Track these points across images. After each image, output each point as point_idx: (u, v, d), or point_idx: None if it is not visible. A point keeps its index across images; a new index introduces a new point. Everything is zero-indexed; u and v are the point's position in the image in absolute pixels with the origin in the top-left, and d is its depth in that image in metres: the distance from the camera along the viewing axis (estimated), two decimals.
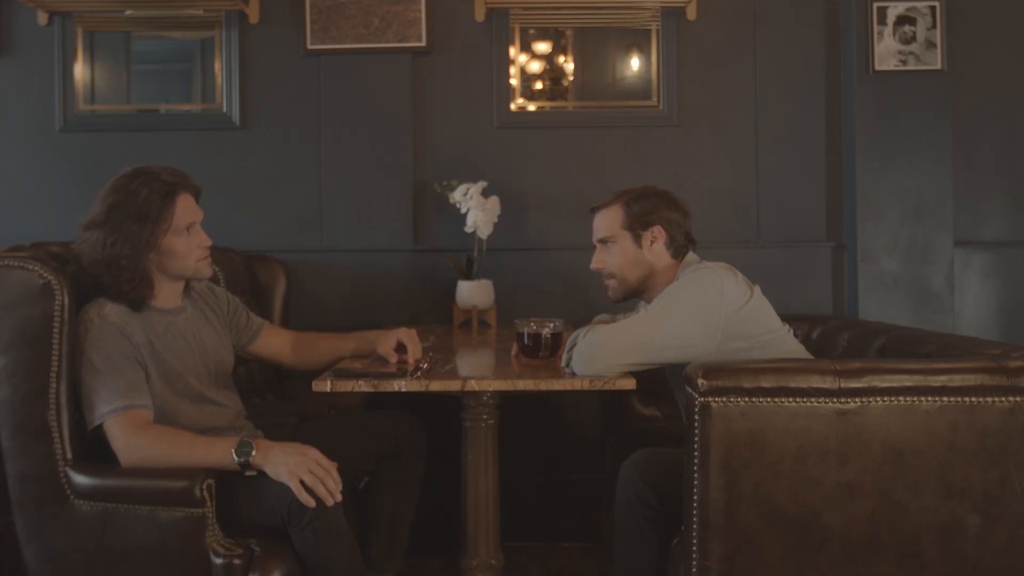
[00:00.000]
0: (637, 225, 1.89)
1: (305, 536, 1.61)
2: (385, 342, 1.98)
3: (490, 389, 1.75)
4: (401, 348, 1.98)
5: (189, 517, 1.58)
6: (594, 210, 1.99)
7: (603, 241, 1.95)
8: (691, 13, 2.95)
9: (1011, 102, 2.99)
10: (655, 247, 1.89)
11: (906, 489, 1.47)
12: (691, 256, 1.92)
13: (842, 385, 1.46)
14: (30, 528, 1.66)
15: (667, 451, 1.87)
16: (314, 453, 1.63)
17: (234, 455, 1.61)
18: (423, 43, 2.90)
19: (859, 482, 1.47)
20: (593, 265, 1.97)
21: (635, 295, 1.96)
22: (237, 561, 1.57)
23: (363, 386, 1.69)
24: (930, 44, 2.83)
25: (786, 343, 1.82)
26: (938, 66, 2.82)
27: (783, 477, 1.47)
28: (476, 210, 2.70)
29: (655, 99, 3.01)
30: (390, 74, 2.91)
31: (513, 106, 3.00)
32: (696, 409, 1.47)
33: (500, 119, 2.97)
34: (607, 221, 1.94)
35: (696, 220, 2.90)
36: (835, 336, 2.31)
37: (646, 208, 1.89)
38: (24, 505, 1.66)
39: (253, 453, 1.61)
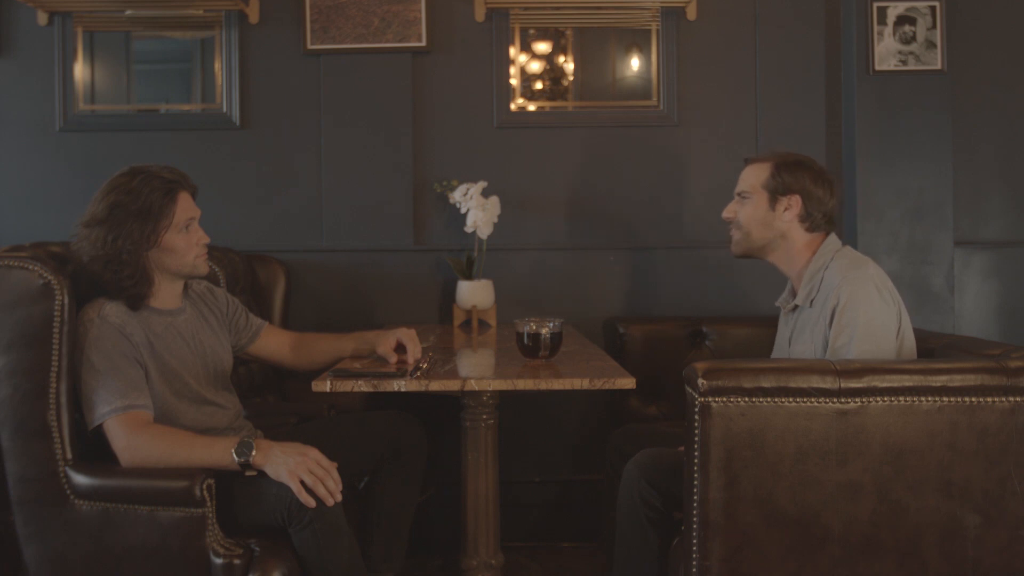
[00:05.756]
0: (778, 189, 1.90)
1: (305, 536, 1.61)
2: (385, 342, 1.98)
3: (490, 389, 1.75)
4: (401, 348, 1.98)
5: (189, 517, 1.58)
6: (747, 161, 2.01)
7: (740, 194, 1.96)
8: (691, 13, 2.95)
9: (1011, 102, 2.99)
10: (787, 215, 1.90)
11: (906, 489, 1.47)
12: (833, 240, 1.92)
13: (842, 385, 1.46)
14: (30, 528, 1.66)
15: (671, 452, 1.87)
16: (314, 453, 1.63)
17: (234, 455, 1.61)
18: (423, 43, 2.90)
19: (859, 482, 1.47)
20: (725, 213, 2.00)
21: (754, 255, 1.97)
22: (237, 561, 1.57)
23: (363, 386, 1.69)
24: (930, 44, 2.83)
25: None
26: (938, 66, 2.82)
27: (783, 477, 1.47)
28: (476, 210, 2.70)
29: (655, 99, 3.01)
30: (390, 74, 2.91)
31: (513, 106, 3.00)
32: (696, 409, 1.47)
33: (500, 119, 2.97)
34: (752, 176, 1.95)
35: (696, 220, 2.94)
36: None
37: (794, 176, 1.90)
38: (24, 505, 1.66)
39: (253, 453, 1.61)
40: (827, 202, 1.91)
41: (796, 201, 1.89)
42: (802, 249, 1.91)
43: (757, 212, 1.92)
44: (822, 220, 1.91)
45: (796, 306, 1.92)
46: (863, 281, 1.76)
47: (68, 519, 1.63)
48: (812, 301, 1.86)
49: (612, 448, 2.22)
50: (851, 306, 1.73)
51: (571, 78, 3.12)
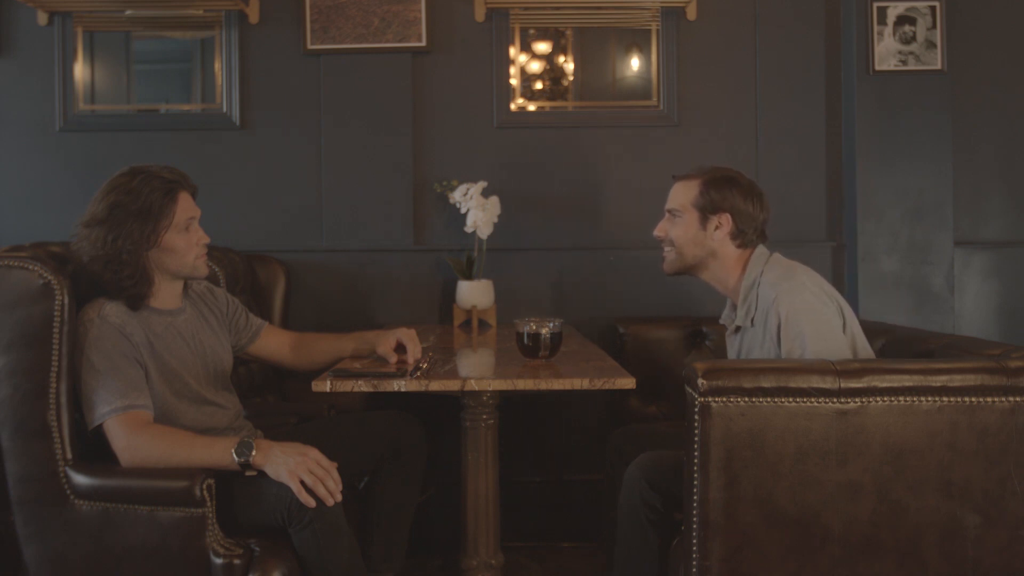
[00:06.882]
0: (708, 208, 1.88)
1: (305, 536, 1.61)
2: (385, 342, 1.98)
3: (490, 389, 1.75)
4: (401, 348, 1.98)
5: (189, 517, 1.58)
6: (675, 178, 1.99)
7: (671, 212, 1.95)
8: (691, 13, 2.95)
9: (1011, 102, 2.99)
10: (718, 234, 1.89)
11: (906, 489, 1.47)
12: (761, 251, 1.90)
13: (842, 385, 1.46)
14: (30, 528, 1.66)
15: (672, 455, 1.87)
16: (314, 453, 1.63)
17: (234, 455, 1.61)
18: (423, 43, 2.90)
19: (859, 482, 1.47)
20: (656, 232, 1.98)
21: (686, 273, 1.96)
22: (237, 561, 1.57)
23: (363, 386, 1.69)
24: (930, 44, 2.83)
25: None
26: (938, 66, 2.83)
27: (783, 477, 1.47)
28: (476, 210, 2.70)
29: (655, 99, 3.01)
30: (390, 74, 2.91)
31: (513, 106, 3.00)
32: (696, 409, 1.47)
33: (500, 119, 2.97)
34: (681, 194, 1.93)
35: None
36: None
37: (723, 194, 1.88)
38: (24, 505, 1.66)
39: (253, 453, 1.61)
40: (758, 217, 1.90)
41: (726, 219, 1.88)
42: (733, 266, 1.91)
43: (688, 231, 1.91)
44: (754, 236, 1.90)
45: (739, 327, 1.91)
46: (797, 290, 1.76)
47: (68, 519, 1.63)
48: (753, 320, 1.85)
49: (612, 448, 2.22)
50: (793, 319, 1.73)
51: (571, 78, 3.12)
